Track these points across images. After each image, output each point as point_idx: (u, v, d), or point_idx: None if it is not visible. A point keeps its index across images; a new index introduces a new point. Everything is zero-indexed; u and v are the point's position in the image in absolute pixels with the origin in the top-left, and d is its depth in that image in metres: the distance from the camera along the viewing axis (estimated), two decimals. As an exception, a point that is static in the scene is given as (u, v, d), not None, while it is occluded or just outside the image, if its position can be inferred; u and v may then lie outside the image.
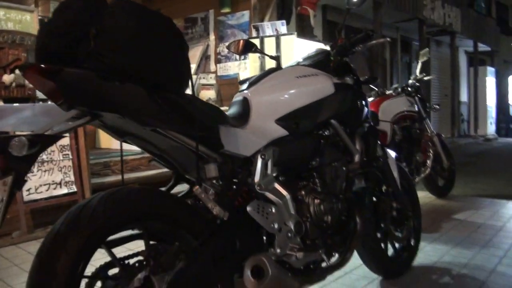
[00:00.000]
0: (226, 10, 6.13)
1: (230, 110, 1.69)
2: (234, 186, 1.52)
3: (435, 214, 3.80)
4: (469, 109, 15.13)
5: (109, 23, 1.15)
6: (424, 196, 4.46)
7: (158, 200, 1.30)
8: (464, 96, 15.19)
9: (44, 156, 3.18)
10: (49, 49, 1.16)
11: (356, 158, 1.92)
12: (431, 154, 4.06)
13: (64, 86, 1.12)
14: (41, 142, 1.10)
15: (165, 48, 1.24)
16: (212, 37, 6.40)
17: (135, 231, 1.37)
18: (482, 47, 14.71)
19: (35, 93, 3.45)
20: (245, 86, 1.75)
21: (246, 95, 1.68)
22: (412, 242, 2.49)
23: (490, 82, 14.86)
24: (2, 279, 2.42)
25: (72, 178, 3.34)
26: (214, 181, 1.47)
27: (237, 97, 1.71)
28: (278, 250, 1.53)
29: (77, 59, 1.16)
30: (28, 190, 3.12)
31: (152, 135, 1.32)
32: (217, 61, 6.28)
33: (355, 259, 2.54)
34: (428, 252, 2.78)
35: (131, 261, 1.29)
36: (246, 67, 5.43)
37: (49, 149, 3.17)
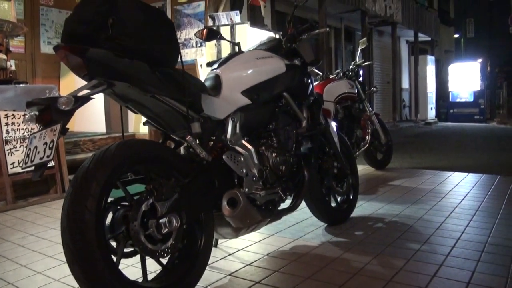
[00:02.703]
0: (182, 0, 6.52)
1: (205, 84, 2.17)
2: (212, 143, 2.03)
3: (373, 181, 4.44)
4: (410, 95, 16.16)
5: (123, 15, 1.59)
6: (364, 168, 5.10)
7: (157, 148, 1.77)
8: (405, 83, 16.19)
9: (26, 133, 3.51)
10: (76, 33, 1.57)
11: (304, 123, 2.46)
12: (369, 131, 4.68)
13: (90, 61, 1.54)
14: (80, 99, 1.53)
15: (162, 34, 1.70)
16: (168, 25, 6.77)
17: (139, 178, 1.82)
18: (423, 37, 15.72)
19: (16, 76, 3.75)
20: (215, 66, 2.23)
21: (218, 72, 2.16)
22: (351, 196, 3.08)
23: (430, 70, 15.94)
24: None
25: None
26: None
27: (210, 74, 2.19)
28: (246, 189, 2.04)
29: (96, 41, 1.58)
30: (12, 164, 3.46)
31: (150, 101, 1.77)
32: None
33: (305, 213, 3.11)
34: (365, 207, 3.38)
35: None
36: (203, 54, 5.86)
37: (30, 128, 3.50)
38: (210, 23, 5.87)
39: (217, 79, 2.13)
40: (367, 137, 4.64)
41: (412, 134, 11.13)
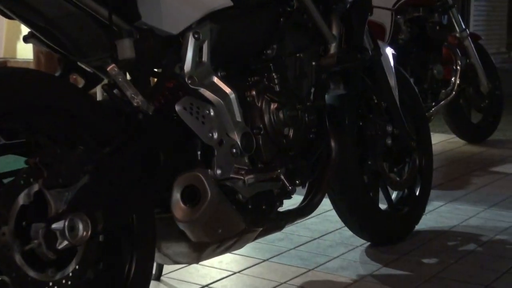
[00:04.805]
0: None
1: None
2: (157, 80, 2.10)
3: (461, 165, 4.57)
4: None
5: None
6: (445, 139, 5.24)
7: (51, 87, 1.83)
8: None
9: None
10: None
11: (332, 48, 2.53)
12: (458, 68, 4.77)
13: None
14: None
15: None
16: None
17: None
18: None
19: None
20: None
21: None
22: (417, 191, 3.20)
23: None
24: None
25: None
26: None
27: None
28: (219, 171, 2.11)
29: None
30: None
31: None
32: None
33: (328, 221, 3.21)
34: (444, 213, 3.51)
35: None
36: None
37: None
38: None
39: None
40: (453, 79, 4.73)
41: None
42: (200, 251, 2.15)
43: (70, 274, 1.80)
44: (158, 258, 2.18)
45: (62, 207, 1.79)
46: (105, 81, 2.07)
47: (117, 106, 1.97)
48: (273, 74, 2.37)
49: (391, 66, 2.99)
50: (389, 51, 3.01)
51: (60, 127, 1.86)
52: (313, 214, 2.60)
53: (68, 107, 1.85)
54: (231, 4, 2.21)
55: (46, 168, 1.78)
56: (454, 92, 4.72)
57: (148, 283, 2.05)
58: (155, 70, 2.15)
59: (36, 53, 5.00)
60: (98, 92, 1.90)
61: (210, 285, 2.61)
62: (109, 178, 1.89)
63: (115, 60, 1.93)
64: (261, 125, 2.30)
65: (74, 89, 1.93)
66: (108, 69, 1.91)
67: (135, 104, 1.94)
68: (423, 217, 3.28)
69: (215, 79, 2.16)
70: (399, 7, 4.39)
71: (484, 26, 13.75)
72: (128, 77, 2.00)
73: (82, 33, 1.97)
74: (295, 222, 2.47)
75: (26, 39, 2.06)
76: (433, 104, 4.63)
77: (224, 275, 2.70)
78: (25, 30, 2.06)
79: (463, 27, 4.92)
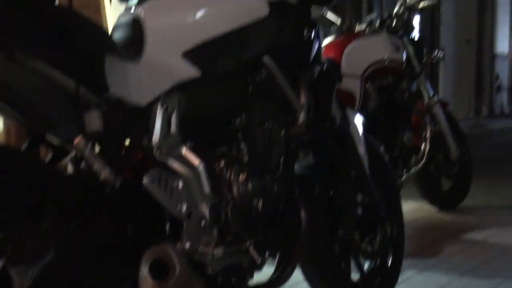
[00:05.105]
0: None
1: (113, 36, 2.21)
2: (124, 152, 2.09)
3: (433, 233, 4.56)
4: (511, 68, 16.38)
5: None
6: (416, 207, 5.23)
7: (16, 161, 1.81)
8: (503, 45, 16.41)
9: None
10: None
11: (301, 117, 2.52)
12: (428, 135, 4.79)
13: None
14: None
15: None
16: None
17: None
18: None
19: None
20: (134, 1, 2.28)
21: (138, 13, 2.19)
22: (389, 261, 3.17)
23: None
24: None
25: None
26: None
27: (123, 18, 2.23)
28: (187, 244, 2.09)
29: None
30: None
31: (7, 67, 1.82)
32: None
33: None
34: (417, 283, 3.48)
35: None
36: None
37: None
38: None
39: (136, 28, 2.18)
40: (423, 146, 4.76)
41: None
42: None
43: None
44: None
45: (27, 283, 1.75)
46: (73, 153, 2.05)
47: (84, 180, 1.95)
48: (242, 144, 2.38)
49: (360, 134, 3.00)
50: (358, 119, 3.02)
51: (25, 202, 1.83)
52: (284, 286, 2.56)
53: (33, 181, 1.83)
54: (199, 75, 2.23)
55: (10, 245, 1.76)
56: (424, 159, 4.73)
57: None
58: (124, 141, 2.13)
59: (6, 124, 4.97)
60: (68, 165, 1.90)
61: None
62: (75, 254, 1.86)
63: (83, 133, 1.92)
64: (230, 197, 2.29)
65: (40, 163, 1.92)
66: (75, 141, 1.90)
67: (102, 177, 1.92)
68: (396, 287, 3.25)
69: (184, 151, 2.16)
70: (368, 74, 4.45)
71: (452, 92, 13.96)
72: (97, 148, 1.98)
73: (49, 105, 1.95)
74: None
75: (-10, 110, 2.05)
76: (404, 171, 4.65)
77: None
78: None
79: (431, 94, 4.98)
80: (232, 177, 2.30)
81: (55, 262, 1.80)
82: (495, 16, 15.83)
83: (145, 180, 2.05)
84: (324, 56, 2.91)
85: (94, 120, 1.94)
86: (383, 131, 4.55)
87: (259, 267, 2.34)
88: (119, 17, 2.28)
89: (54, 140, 2.09)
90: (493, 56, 15.66)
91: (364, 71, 4.43)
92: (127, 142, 2.15)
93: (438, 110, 4.99)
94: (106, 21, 5.36)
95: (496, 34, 15.95)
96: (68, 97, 1.90)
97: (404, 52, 4.73)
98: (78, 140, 1.89)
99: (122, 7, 2.36)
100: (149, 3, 2.26)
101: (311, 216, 2.56)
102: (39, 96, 1.92)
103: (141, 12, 2.22)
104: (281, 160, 2.51)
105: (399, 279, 3.30)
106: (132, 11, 2.25)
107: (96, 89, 1.96)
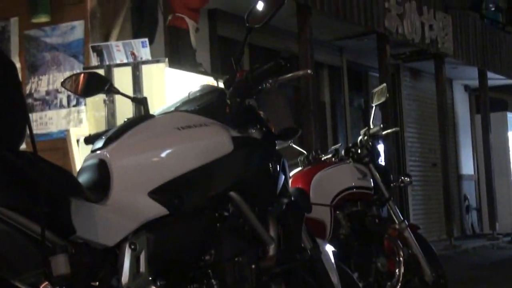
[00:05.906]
0: (43, 19, 6.56)
1: (79, 179, 2.23)
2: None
3: None
4: (478, 189, 16.49)
5: None
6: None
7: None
8: (468, 166, 16.56)
9: None
10: None
11: (271, 250, 2.53)
12: (401, 260, 4.80)
13: None
14: None
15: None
16: (17, 65, 6.84)
17: None
18: (496, 78, 16.21)
19: None
20: (99, 143, 2.32)
21: (103, 156, 2.23)
22: None
23: (514, 139, 16.45)
24: None
25: None
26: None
27: (89, 160, 2.27)
28: None
29: None
30: None
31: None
32: (28, 108, 6.70)
33: None
34: None
35: None
36: (81, 119, 5.96)
37: None
38: (93, 61, 5.91)
39: (102, 169, 2.21)
40: (397, 271, 4.75)
41: (486, 262, 11.28)
42: None
43: None
44: None
45: None
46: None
47: None
48: (212, 280, 2.37)
49: (332, 263, 3.00)
50: (329, 248, 3.04)
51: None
52: None
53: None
54: (167, 212, 2.25)
55: None
56: (399, 284, 4.73)
57: None
58: (92, 284, 2.11)
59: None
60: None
61: None
62: None
63: (49, 277, 1.91)
64: None
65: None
66: (41, 287, 1.89)
67: None
68: None
69: (153, 290, 2.15)
70: (337, 202, 4.49)
71: (423, 215, 14.06)
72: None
73: (13, 252, 1.94)
74: None
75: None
76: (379, 298, 4.64)
77: None
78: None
79: (401, 218, 5.00)
80: None
81: None
82: (457, 136, 16.09)
83: None
84: (292, 186, 2.93)
85: (61, 264, 1.93)
86: (357, 258, 4.55)
87: None
88: (85, 159, 2.32)
89: (19, 286, 2.08)
90: (459, 177, 15.85)
91: (333, 199, 4.47)
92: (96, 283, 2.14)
93: (408, 234, 5.00)
94: (74, 163, 5.40)
95: (460, 155, 16.19)
96: (33, 242, 1.90)
97: (371, 178, 4.79)
98: (44, 285, 1.88)
99: (89, 149, 2.39)
100: (115, 144, 2.30)
101: None
102: (3, 242, 1.92)
103: (107, 153, 2.26)
104: None
105: None
106: (98, 152, 2.29)
107: (62, 232, 1.96)
